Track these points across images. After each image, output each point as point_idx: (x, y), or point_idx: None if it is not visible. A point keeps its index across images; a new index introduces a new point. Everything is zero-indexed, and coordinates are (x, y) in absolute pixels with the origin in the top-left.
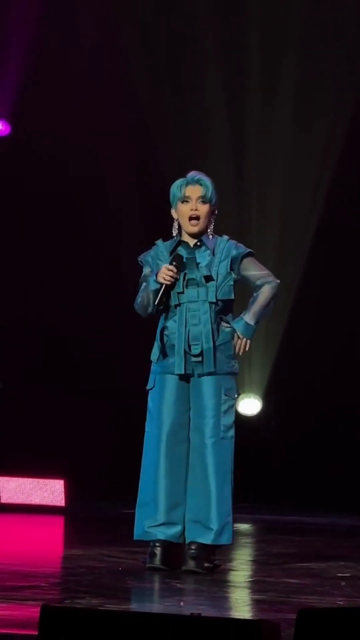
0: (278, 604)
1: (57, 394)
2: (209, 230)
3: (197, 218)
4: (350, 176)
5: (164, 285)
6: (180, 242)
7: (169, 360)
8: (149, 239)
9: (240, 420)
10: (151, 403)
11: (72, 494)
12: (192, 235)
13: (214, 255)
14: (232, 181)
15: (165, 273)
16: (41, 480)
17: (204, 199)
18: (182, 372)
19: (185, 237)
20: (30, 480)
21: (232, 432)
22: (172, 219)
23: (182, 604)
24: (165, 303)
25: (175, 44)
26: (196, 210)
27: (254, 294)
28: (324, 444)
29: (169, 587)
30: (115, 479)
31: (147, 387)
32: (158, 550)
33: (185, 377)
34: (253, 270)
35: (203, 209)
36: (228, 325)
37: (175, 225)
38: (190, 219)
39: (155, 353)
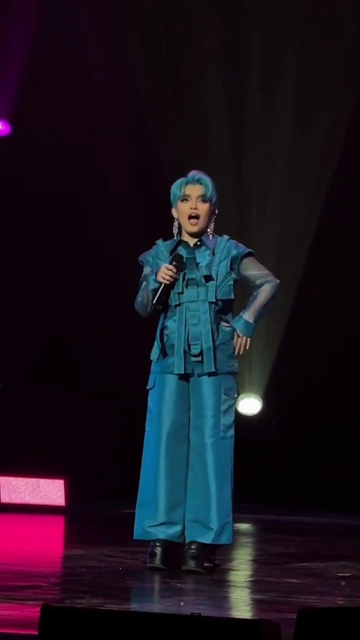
0: (278, 604)
1: (57, 394)
2: (209, 230)
3: (197, 217)
4: (350, 176)
5: (163, 285)
6: (181, 242)
7: (168, 360)
8: (149, 239)
9: (240, 420)
10: (151, 403)
11: (72, 494)
12: (192, 235)
13: (214, 255)
14: (232, 181)
15: (165, 272)
16: (41, 480)
17: (203, 198)
18: (182, 371)
19: (186, 237)
20: (30, 480)
21: (232, 432)
22: (172, 219)
23: (182, 603)
24: (164, 303)
25: (175, 44)
26: (196, 209)
27: (254, 293)
28: (324, 444)
29: (169, 587)
30: (115, 479)
31: (147, 387)
32: (158, 550)
33: (185, 377)
34: (253, 270)
35: (203, 208)
36: (228, 324)
37: (176, 224)
38: (190, 217)
39: (155, 353)
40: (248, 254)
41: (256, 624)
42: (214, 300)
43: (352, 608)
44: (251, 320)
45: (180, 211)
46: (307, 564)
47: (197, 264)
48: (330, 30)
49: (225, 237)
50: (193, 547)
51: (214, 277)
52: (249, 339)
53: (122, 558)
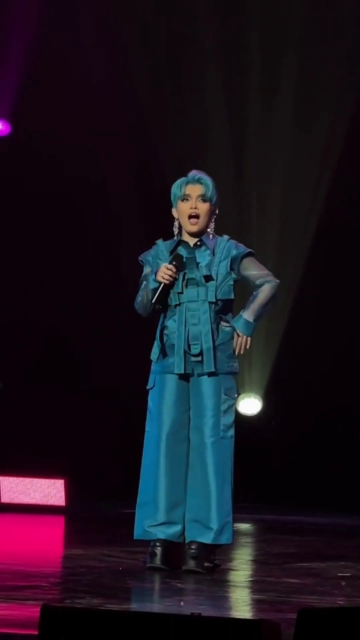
0: (278, 604)
1: (57, 394)
2: (209, 230)
3: (197, 216)
4: (350, 176)
5: (162, 284)
6: (181, 242)
7: (168, 359)
8: (149, 239)
9: (240, 420)
10: (151, 403)
11: (72, 494)
12: (192, 235)
13: (214, 255)
14: (232, 181)
15: (164, 272)
16: (41, 480)
17: (204, 198)
18: (182, 371)
19: (186, 237)
20: (30, 480)
21: (231, 432)
22: (172, 219)
23: (182, 603)
24: (163, 302)
25: (175, 44)
26: (196, 208)
27: (254, 293)
28: (324, 444)
29: (169, 586)
30: (115, 479)
31: (147, 387)
32: (158, 550)
33: (185, 377)
34: (253, 270)
35: (203, 208)
36: (228, 324)
37: (176, 224)
38: (190, 217)
39: (155, 352)
40: (248, 254)
41: (256, 624)
42: (214, 300)
43: (352, 608)
44: (251, 320)
45: (181, 211)
46: (307, 564)
47: (197, 263)
48: (330, 30)
49: (225, 237)
50: (193, 547)
51: (214, 277)
52: (249, 339)
53: (122, 558)
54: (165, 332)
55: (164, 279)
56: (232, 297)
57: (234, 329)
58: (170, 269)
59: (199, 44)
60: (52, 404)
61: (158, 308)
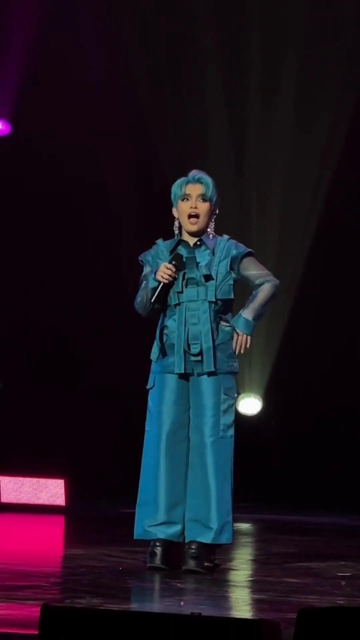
0: (278, 604)
1: (57, 394)
2: (209, 229)
3: (197, 216)
4: (350, 176)
5: (161, 284)
6: (181, 242)
7: (168, 359)
8: (149, 239)
9: (240, 420)
10: (151, 402)
11: (72, 494)
12: (192, 234)
13: (213, 254)
14: (232, 181)
15: (164, 271)
16: (41, 480)
17: (204, 197)
18: (182, 371)
19: (186, 237)
20: (30, 480)
21: (231, 432)
22: (172, 219)
23: (182, 603)
24: (162, 302)
25: (175, 44)
26: (196, 208)
27: (253, 292)
28: (324, 444)
29: (169, 586)
30: (115, 479)
31: (147, 387)
32: (158, 550)
33: (184, 376)
34: (253, 269)
35: (203, 207)
36: (228, 324)
37: (176, 224)
38: (190, 216)
39: (154, 352)
40: (248, 254)
41: (256, 624)
42: (214, 299)
43: (352, 608)
44: (250, 318)
45: (181, 210)
46: (307, 564)
47: (197, 263)
48: (330, 30)
49: (225, 236)
50: (193, 546)
51: (214, 276)
52: (249, 337)
53: (122, 558)
54: (165, 331)
55: (163, 278)
56: (232, 296)
57: (233, 329)
58: (170, 269)
59: (199, 44)
60: (52, 404)
61: (157, 307)
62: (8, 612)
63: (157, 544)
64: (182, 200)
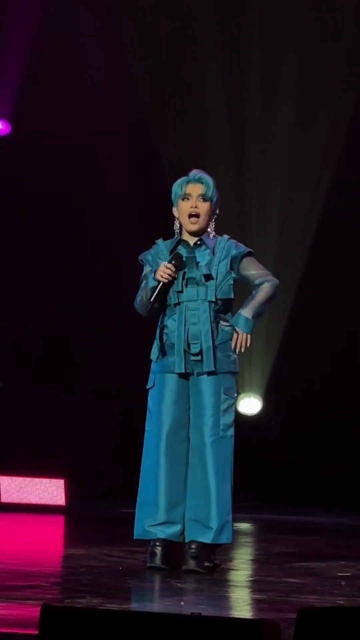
0: (278, 604)
1: (57, 394)
2: (209, 229)
3: (197, 215)
4: (350, 176)
5: (161, 283)
6: (181, 241)
7: (168, 359)
8: (149, 239)
9: (240, 420)
10: (151, 402)
11: (73, 494)
12: (193, 234)
13: (214, 254)
14: (232, 181)
15: (163, 271)
16: (41, 480)
17: (204, 197)
18: (182, 371)
19: (186, 236)
20: (30, 479)
21: (231, 431)
22: (172, 219)
23: (182, 603)
24: (162, 301)
25: (175, 44)
26: (196, 207)
27: (253, 292)
28: (324, 444)
29: (169, 586)
30: (115, 479)
31: (147, 386)
32: (158, 550)
33: (184, 376)
34: (253, 269)
35: (203, 207)
36: (227, 324)
37: (177, 223)
38: (190, 216)
39: (154, 352)
40: (248, 254)
41: (256, 624)
42: (214, 299)
43: (352, 608)
44: (250, 317)
45: (181, 210)
46: (307, 564)
47: (197, 263)
48: (330, 30)
49: (225, 236)
50: (193, 546)
51: (214, 276)
52: (249, 336)
53: (122, 558)
54: (165, 331)
55: (162, 277)
56: (232, 296)
57: (233, 328)
58: (170, 268)
59: (199, 44)
60: (52, 404)
61: (156, 307)
62: (8, 612)
63: (157, 543)
64: (183, 199)
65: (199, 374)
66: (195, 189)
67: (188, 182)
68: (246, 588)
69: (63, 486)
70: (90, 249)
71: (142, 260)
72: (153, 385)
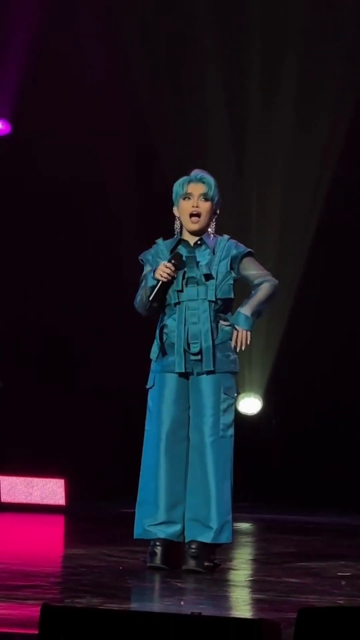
0: (278, 603)
1: (57, 394)
2: (210, 229)
3: (198, 215)
4: (350, 176)
5: (160, 282)
6: (181, 241)
7: (168, 358)
8: (149, 238)
9: (240, 420)
10: (151, 402)
11: (73, 494)
12: (193, 234)
13: (214, 254)
14: (232, 181)
15: (163, 270)
16: (41, 480)
17: (205, 197)
18: (182, 370)
19: (186, 236)
20: (30, 480)
21: (231, 431)
22: (172, 219)
23: (182, 603)
24: (161, 301)
25: (175, 44)
26: (197, 207)
27: (252, 292)
28: (324, 444)
29: (169, 586)
30: (115, 479)
31: (147, 386)
32: (158, 550)
33: (184, 376)
34: (252, 269)
35: (204, 207)
36: (227, 323)
37: (177, 223)
38: (191, 215)
39: (154, 351)
40: (248, 254)
41: (256, 624)
42: (214, 299)
43: (352, 608)
44: (249, 314)
45: (182, 209)
46: (307, 564)
47: (197, 262)
48: (330, 30)
49: (226, 236)
50: (193, 546)
51: (214, 276)
52: (248, 333)
53: (122, 557)
54: (165, 330)
55: (162, 276)
56: (232, 296)
57: (233, 326)
58: (169, 267)
59: (199, 44)
60: (52, 404)
61: (155, 306)
62: (8, 612)
63: (157, 543)
64: (184, 199)
65: (198, 374)
66: (196, 189)
67: (190, 181)
68: (246, 588)
69: (63, 486)
70: (90, 249)
71: (142, 260)
72: (153, 385)
